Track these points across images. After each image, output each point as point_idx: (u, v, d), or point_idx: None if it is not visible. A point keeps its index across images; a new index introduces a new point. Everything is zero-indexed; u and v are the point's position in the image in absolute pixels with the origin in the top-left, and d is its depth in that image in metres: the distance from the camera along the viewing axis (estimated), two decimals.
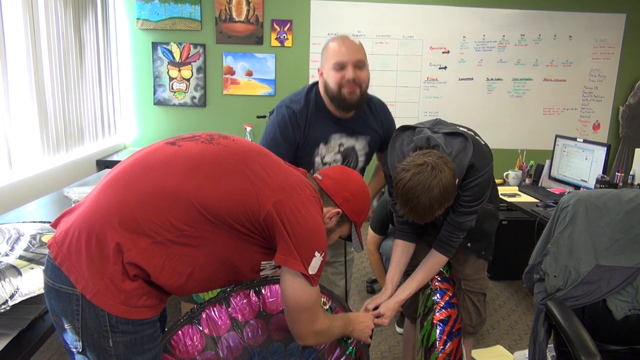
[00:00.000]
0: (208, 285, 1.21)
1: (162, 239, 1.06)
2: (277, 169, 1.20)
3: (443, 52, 4.79)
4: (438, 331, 1.69)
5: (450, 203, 1.48)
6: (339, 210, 1.30)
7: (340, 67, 1.65)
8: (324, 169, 1.39)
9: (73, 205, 2.28)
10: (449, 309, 1.73)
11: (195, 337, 1.29)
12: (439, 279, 1.78)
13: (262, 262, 1.22)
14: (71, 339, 1.09)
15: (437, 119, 1.71)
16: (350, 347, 1.46)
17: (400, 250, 1.75)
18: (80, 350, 1.09)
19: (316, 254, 1.16)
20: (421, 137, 1.56)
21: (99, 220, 1.06)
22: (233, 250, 1.14)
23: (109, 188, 1.11)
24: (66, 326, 1.08)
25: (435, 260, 1.70)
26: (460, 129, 1.63)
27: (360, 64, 1.67)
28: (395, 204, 1.73)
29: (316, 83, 1.79)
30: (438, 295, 1.75)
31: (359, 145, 1.84)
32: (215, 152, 1.16)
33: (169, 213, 1.06)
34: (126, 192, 1.08)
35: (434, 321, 1.71)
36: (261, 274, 1.25)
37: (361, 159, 1.87)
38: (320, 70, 1.74)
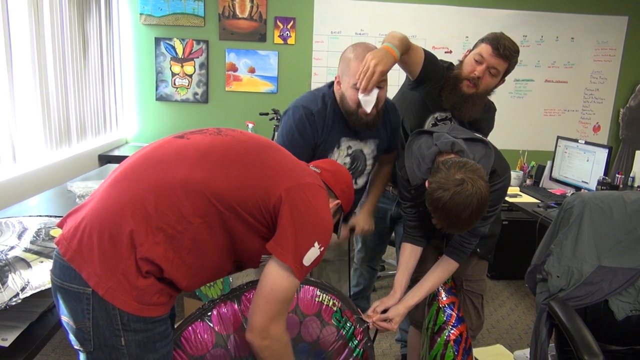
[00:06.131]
0: (216, 276, 1.22)
1: (174, 232, 1.06)
2: (285, 159, 1.22)
3: (445, 52, 4.79)
4: (454, 353, 1.70)
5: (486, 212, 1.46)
6: (338, 201, 1.34)
7: None
8: (316, 161, 1.41)
9: (77, 200, 2.31)
10: (459, 326, 1.73)
11: (205, 334, 1.29)
12: (444, 293, 1.77)
13: (262, 256, 1.22)
14: (81, 339, 1.07)
15: (452, 124, 1.71)
16: (358, 349, 1.47)
17: (409, 253, 1.75)
18: (92, 350, 1.07)
19: (315, 244, 1.14)
20: (445, 142, 1.55)
21: (111, 215, 1.05)
22: (240, 241, 1.15)
23: (119, 183, 1.10)
24: (75, 326, 1.07)
25: (446, 266, 1.70)
26: (476, 135, 1.64)
27: (382, 84, 1.61)
28: (407, 207, 1.74)
29: (332, 84, 1.76)
30: (447, 312, 1.75)
31: (368, 149, 1.83)
32: (225, 143, 1.17)
33: (180, 204, 1.06)
34: (137, 186, 1.08)
35: (450, 342, 1.71)
36: (261, 264, 1.24)
37: (369, 162, 1.86)
38: (338, 79, 1.68)
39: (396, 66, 1.67)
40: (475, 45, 1.86)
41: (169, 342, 1.16)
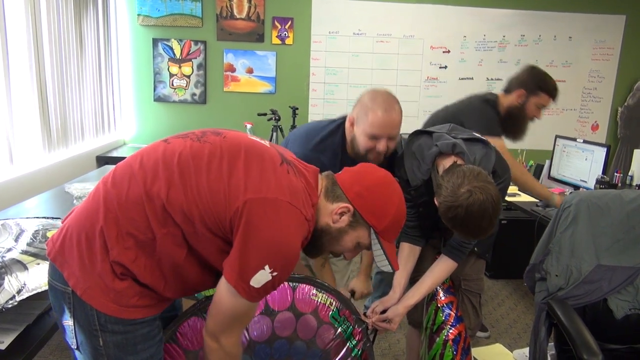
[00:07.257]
0: (203, 284, 1.18)
1: (145, 238, 1.06)
2: (261, 168, 1.09)
3: (443, 52, 4.79)
4: (452, 352, 1.69)
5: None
6: (348, 205, 1.14)
7: (375, 138, 1.60)
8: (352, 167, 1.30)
9: (75, 201, 2.31)
10: (457, 325, 1.73)
11: (201, 329, 1.29)
12: (442, 293, 1.77)
13: None
14: (68, 336, 1.11)
15: (451, 124, 1.71)
16: (356, 350, 1.47)
17: (407, 253, 1.74)
18: (76, 347, 1.11)
19: (266, 267, 1.02)
20: (446, 144, 1.53)
21: (88, 218, 1.08)
22: (203, 252, 1.10)
23: (100, 188, 1.13)
24: (63, 323, 1.11)
25: (444, 266, 1.68)
26: (475, 135, 1.64)
27: (394, 137, 1.63)
28: (406, 207, 1.74)
29: (341, 125, 1.74)
30: (446, 311, 1.74)
31: None
32: (198, 151, 1.11)
33: (148, 213, 1.06)
34: (112, 190, 1.09)
35: (449, 342, 1.70)
36: None
37: None
38: (352, 120, 1.66)
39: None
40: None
41: (155, 343, 1.14)
